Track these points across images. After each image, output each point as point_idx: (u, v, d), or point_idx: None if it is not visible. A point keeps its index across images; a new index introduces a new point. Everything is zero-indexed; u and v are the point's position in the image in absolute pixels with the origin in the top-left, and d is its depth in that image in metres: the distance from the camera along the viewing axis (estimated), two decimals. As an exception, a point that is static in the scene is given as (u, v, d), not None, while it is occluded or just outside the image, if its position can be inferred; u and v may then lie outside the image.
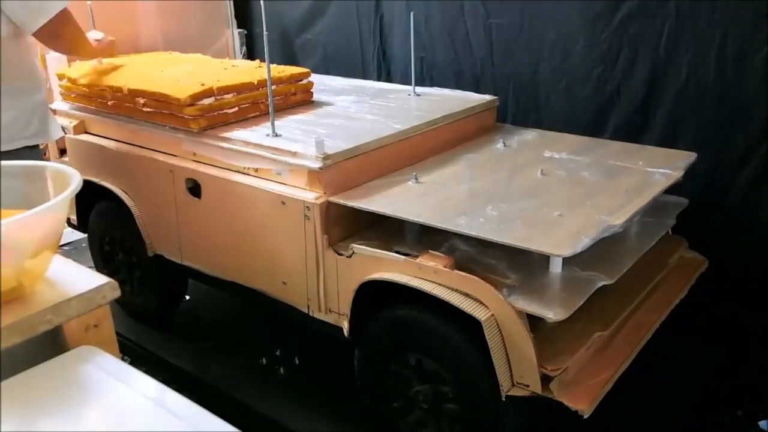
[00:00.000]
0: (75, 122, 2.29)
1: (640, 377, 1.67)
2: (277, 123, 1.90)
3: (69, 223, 2.50)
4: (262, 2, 1.88)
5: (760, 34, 1.84)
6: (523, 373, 1.47)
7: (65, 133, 2.27)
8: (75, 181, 0.91)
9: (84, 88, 2.20)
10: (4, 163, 0.99)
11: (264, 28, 1.82)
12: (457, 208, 1.62)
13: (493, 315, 1.46)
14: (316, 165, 1.68)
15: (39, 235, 0.85)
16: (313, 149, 1.69)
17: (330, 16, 2.80)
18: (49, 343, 0.89)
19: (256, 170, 1.83)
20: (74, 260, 1.03)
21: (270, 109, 1.86)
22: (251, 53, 3.17)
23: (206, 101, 1.95)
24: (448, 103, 2.10)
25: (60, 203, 0.86)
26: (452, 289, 1.51)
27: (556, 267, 1.55)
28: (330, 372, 2.17)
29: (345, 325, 1.74)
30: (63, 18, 1.85)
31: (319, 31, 2.82)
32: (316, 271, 1.75)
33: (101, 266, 2.46)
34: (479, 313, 1.46)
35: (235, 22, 3.06)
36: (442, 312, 1.54)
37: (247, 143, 1.84)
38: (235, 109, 2.02)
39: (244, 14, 3.11)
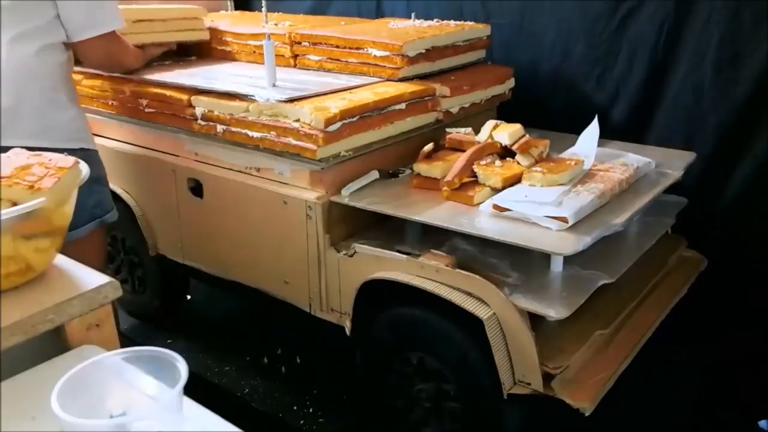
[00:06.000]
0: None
1: (640, 376, 1.67)
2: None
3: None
4: (264, 1, 1.89)
5: (757, 34, 1.84)
6: (525, 372, 1.48)
7: None
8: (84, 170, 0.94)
9: (86, 89, 2.20)
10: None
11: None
12: (458, 207, 1.62)
13: (494, 314, 1.47)
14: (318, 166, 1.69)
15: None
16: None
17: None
18: (51, 343, 0.89)
19: (258, 170, 1.84)
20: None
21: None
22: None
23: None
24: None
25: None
26: (454, 288, 1.52)
27: (557, 266, 1.55)
28: (332, 371, 2.18)
29: (347, 324, 1.74)
30: (112, 38, 1.81)
31: (320, 31, 2.82)
32: (318, 271, 1.75)
33: (103, 266, 2.46)
34: (481, 312, 1.46)
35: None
36: (444, 311, 1.54)
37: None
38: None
39: (244, 14, 3.11)
